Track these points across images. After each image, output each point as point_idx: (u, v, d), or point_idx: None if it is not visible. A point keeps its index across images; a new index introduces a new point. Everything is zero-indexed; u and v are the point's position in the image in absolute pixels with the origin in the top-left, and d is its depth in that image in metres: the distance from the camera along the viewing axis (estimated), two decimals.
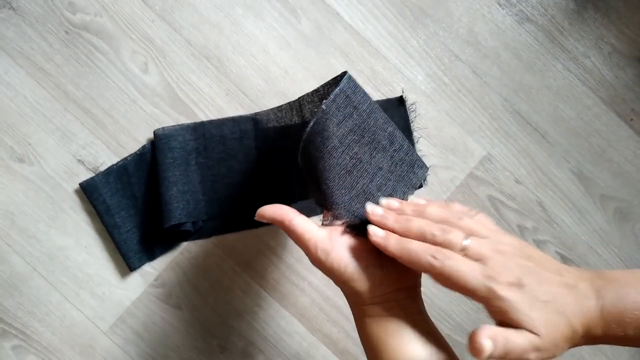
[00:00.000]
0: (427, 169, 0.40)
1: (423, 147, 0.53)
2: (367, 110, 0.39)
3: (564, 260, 0.53)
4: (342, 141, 0.37)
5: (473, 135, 0.54)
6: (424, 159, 0.53)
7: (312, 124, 0.37)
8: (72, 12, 0.52)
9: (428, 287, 0.52)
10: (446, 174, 0.53)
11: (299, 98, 0.50)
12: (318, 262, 0.33)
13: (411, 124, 0.53)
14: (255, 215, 0.36)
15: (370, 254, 0.33)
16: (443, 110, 0.54)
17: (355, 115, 0.39)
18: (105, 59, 0.52)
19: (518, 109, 0.55)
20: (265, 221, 0.36)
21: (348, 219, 0.35)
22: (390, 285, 0.32)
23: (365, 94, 0.40)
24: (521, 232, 0.53)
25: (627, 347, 0.44)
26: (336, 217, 0.36)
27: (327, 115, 0.38)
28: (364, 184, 0.37)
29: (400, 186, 0.39)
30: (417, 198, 0.38)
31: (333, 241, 0.33)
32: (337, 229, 0.35)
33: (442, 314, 0.52)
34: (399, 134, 0.40)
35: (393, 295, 0.32)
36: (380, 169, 0.38)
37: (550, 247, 0.53)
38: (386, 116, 0.41)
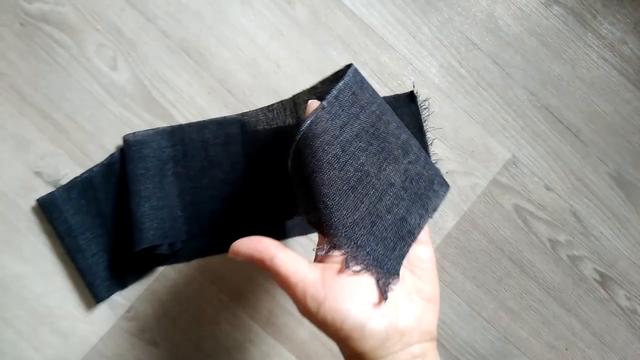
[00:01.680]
0: (449, 187, 0.33)
1: (438, 150, 0.46)
2: (377, 112, 0.32)
3: (604, 279, 0.46)
4: (345, 148, 0.30)
5: (495, 135, 0.46)
6: (439, 164, 0.46)
7: (308, 122, 0.30)
8: (28, 1, 0.44)
9: (447, 314, 0.44)
10: (465, 181, 0.46)
11: (294, 96, 0.43)
12: (307, 314, 0.25)
13: (424, 124, 0.45)
14: (229, 251, 0.29)
15: (374, 302, 0.26)
16: (460, 107, 0.47)
17: (362, 117, 0.31)
18: (68, 55, 0.44)
19: (547, 104, 0.47)
20: (241, 259, 0.28)
21: (349, 250, 0.28)
22: (399, 342, 0.25)
23: (374, 91, 0.33)
24: (553, 247, 0.46)
25: None
26: (334, 246, 0.28)
27: (328, 115, 0.30)
28: (371, 203, 0.30)
29: (416, 208, 0.31)
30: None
31: (327, 285, 0.26)
32: (334, 267, 0.27)
33: (464, 345, 0.44)
34: (414, 143, 0.33)
35: (403, 355, 0.25)
36: (392, 185, 0.31)
37: (588, 263, 0.46)
38: (399, 120, 0.33)
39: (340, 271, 0.27)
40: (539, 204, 0.46)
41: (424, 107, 0.46)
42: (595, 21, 0.48)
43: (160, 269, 0.43)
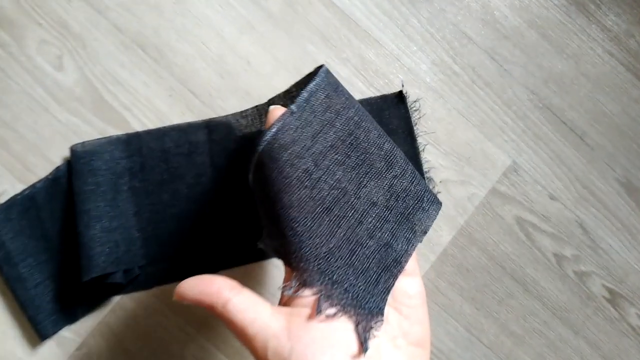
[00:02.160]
0: (440, 205, 0.28)
1: (431, 157, 0.41)
2: (355, 118, 0.27)
3: (613, 296, 0.41)
4: (318, 162, 0.25)
5: (494, 139, 0.42)
6: (432, 173, 0.41)
7: (274, 131, 0.25)
8: None
9: (444, 341, 0.40)
10: (462, 191, 0.41)
11: (269, 100, 0.38)
12: None
13: (414, 127, 0.40)
14: (174, 294, 0.24)
15: (353, 353, 0.21)
16: (454, 108, 0.42)
17: (338, 124, 0.26)
18: (5, 53, 0.38)
19: (549, 103, 0.43)
20: (188, 303, 0.23)
21: (323, 288, 0.23)
22: None
23: (350, 95, 0.28)
24: (559, 262, 0.41)
25: None
26: (304, 284, 0.23)
27: (298, 122, 0.25)
28: (350, 228, 0.25)
29: (402, 230, 0.26)
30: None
31: (294, 335, 0.21)
32: (303, 311, 0.22)
33: None
34: (399, 154, 0.28)
35: None
36: (374, 204, 0.26)
37: (596, 279, 0.41)
38: (380, 128, 0.28)
39: (311, 317, 0.22)
40: (542, 215, 0.42)
41: (414, 108, 0.41)
42: (600, 12, 0.44)
43: (116, 299, 0.37)
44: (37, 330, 0.36)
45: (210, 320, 0.38)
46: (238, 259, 0.38)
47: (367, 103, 0.40)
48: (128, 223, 0.37)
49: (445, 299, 0.40)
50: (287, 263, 0.25)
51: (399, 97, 0.40)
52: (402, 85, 0.41)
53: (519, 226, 0.41)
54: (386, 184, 0.27)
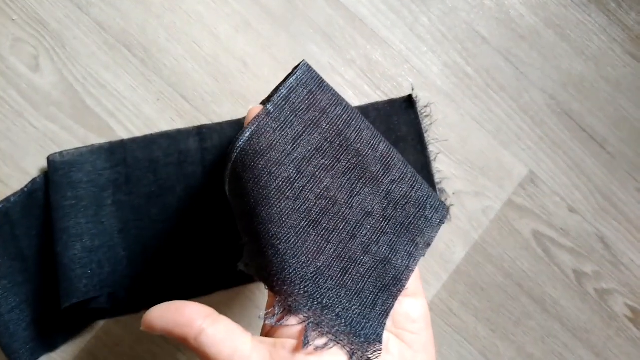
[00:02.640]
0: (446, 211, 0.25)
1: (443, 167, 0.38)
2: (344, 117, 0.24)
3: (637, 315, 0.39)
4: (301, 169, 0.22)
5: (510, 147, 0.39)
6: (444, 184, 0.38)
7: (247, 135, 0.22)
8: None
9: None
10: (476, 203, 0.38)
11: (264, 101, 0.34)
12: None
13: (424, 134, 0.37)
14: (141, 323, 0.21)
15: None
16: (468, 113, 0.39)
17: (324, 124, 0.23)
18: None
19: (568, 109, 0.40)
20: (157, 334, 0.20)
21: (310, 314, 0.21)
22: None
23: (337, 93, 0.24)
24: (579, 279, 0.38)
25: None
26: (289, 310, 0.21)
27: (276, 123, 0.23)
28: (341, 242, 0.23)
29: (402, 243, 0.24)
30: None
31: None
32: (288, 343, 0.20)
33: None
34: (397, 156, 0.25)
35: None
36: (369, 214, 0.23)
37: (618, 298, 0.39)
38: (374, 128, 0.25)
39: (297, 349, 0.19)
40: (561, 228, 0.39)
41: (424, 114, 0.38)
42: (621, 10, 0.41)
43: (100, 324, 0.34)
44: None
45: None
46: (234, 279, 0.35)
47: (374, 108, 0.37)
48: (112, 241, 0.33)
49: (459, 321, 0.37)
50: (270, 286, 0.22)
51: (409, 102, 0.37)
52: (412, 89, 0.37)
53: (536, 241, 0.38)
54: (383, 190, 0.24)
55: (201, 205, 0.35)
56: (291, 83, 0.23)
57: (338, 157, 0.23)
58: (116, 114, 0.35)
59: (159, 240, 0.34)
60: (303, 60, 0.24)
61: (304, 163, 0.23)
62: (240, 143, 0.22)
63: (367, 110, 0.37)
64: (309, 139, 0.23)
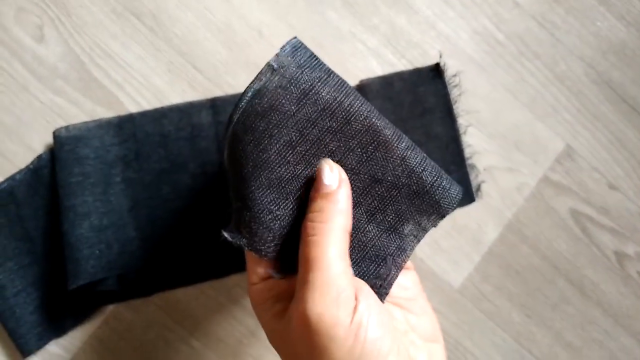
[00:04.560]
0: (462, 190, 0.23)
1: (473, 141, 0.35)
2: (349, 86, 0.22)
3: None
4: (304, 132, 0.21)
5: (545, 120, 0.36)
6: (475, 157, 0.35)
7: (249, 95, 0.21)
8: None
9: (490, 354, 0.34)
10: (510, 179, 0.35)
11: None
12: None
13: (453, 106, 0.35)
14: None
15: None
16: (500, 83, 0.36)
17: (332, 82, 0.22)
18: None
19: (608, 78, 0.37)
20: None
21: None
22: None
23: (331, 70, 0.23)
24: (620, 261, 0.36)
25: None
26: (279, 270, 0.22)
27: (281, 80, 0.21)
28: None
29: (413, 212, 0.22)
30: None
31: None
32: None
33: None
34: (404, 137, 0.23)
35: None
36: (378, 181, 0.22)
37: None
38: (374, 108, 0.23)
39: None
40: (601, 207, 0.36)
41: (453, 84, 0.35)
42: None
43: (110, 308, 0.32)
44: (19, 345, 0.31)
45: (219, 332, 0.33)
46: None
47: (399, 78, 0.34)
48: (122, 220, 0.32)
49: (492, 306, 0.34)
50: (264, 253, 0.21)
51: (436, 71, 0.35)
52: (440, 57, 0.35)
53: (574, 220, 0.35)
54: (397, 156, 0.22)
55: (216, 183, 0.33)
56: (295, 42, 0.22)
57: (348, 118, 0.21)
58: (125, 85, 0.33)
59: (171, 219, 0.32)
60: (295, 38, 0.23)
61: (309, 125, 0.21)
62: (243, 103, 0.21)
63: (391, 80, 0.34)
64: (316, 99, 0.21)
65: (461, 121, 0.35)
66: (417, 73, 0.35)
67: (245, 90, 0.21)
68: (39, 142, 0.33)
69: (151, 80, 0.34)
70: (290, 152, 0.21)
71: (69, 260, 0.30)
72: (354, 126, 0.21)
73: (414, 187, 0.22)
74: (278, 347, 0.21)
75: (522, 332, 0.34)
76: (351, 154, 0.22)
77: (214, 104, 0.33)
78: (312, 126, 0.21)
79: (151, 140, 0.32)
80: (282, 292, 0.21)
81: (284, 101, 0.21)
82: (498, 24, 0.36)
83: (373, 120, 0.22)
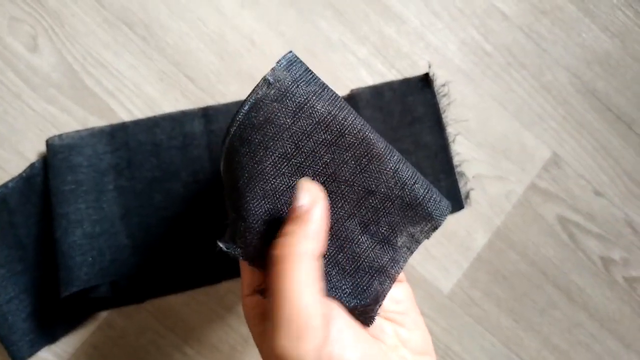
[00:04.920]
0: (449, 203, 0.24)
1: (462, 149, 0.36)
2: (339, 105, 0.23)
3: None
4: (300, 144, 0.22)
5: (532, 128, 0.37)
6: (464, 165, 0.36)
7: (245, 109, 0.22)
8: None
9: (480, 358, 0.35)
10: (498, 187, 0.36)
11: None
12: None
13: (442, 115, 0.35)
14: None
15: None
16: (488, 93, 0.37)
17: (327, 96, 0.22)
18: None
19: (593, 88, 0.38)
20: None
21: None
22: None
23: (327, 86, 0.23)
24: (606, 267, 0.36)
25: None
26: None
27: (276, 94, 0.22)
28: (339, 221, 0.22)
29: (406, 224, 0.23)
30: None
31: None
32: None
33: None
34: (395, 150, 0.24)
35: None
36: (371, 193, 0.22)
37: None
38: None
39: None
40: (587, 213, 0.37)
41: (441, 93, 0.36)
42: None
43: (103, 315, 0.32)
44: (11, 352, 0.31)
45: (212, 339, 0.33)
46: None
47: (389, 88, 0.35)
48: (114, 228, 0.32)
49: (480, 311, 0.35)
50: (258, 265, 0.21)
51: (425, 81, 0.35)
52: (429, 67, 0.35)
53: (561, 226, 0.36)
54: (390, 169, 0.22)
55: (208, 192, 0.33)
56: (290, 57, 0.22)
57: (342, 131, 0.22)
58: (117, 94, 0.34)
59: (163, 227, 0.32)
60: (291, 52, 0.23)
61: (304, 138, 0.21)
62: (239, 116, 0.21)
63: (381, 90, 0.35)
64: (311, 112, 0.22)
65: (450, 130, 0.35)
66: (407, 83, 0.35)
67: (242, 104, 0.22)
68: (31, 151, 0.33)
69: (143, 89, 0.34)
70: (285, 164, 0.21)
71: (61, 268, 0.30)
72: (347, 139, 0.22)
73: (407, 199, 0.22)
74: None
75: (511, 336, 0.35)
76: (345, 166, 0.22)
77: (206, 113, 0.33)
78: (307, 138, 0.21)
79: (143, 149, 0.33)
80: (268, 312, 0.21)
81: (279, 114, 0.21)
82: (486, 35, 0.37)
83: (366, 133, 0.22)
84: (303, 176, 0.21)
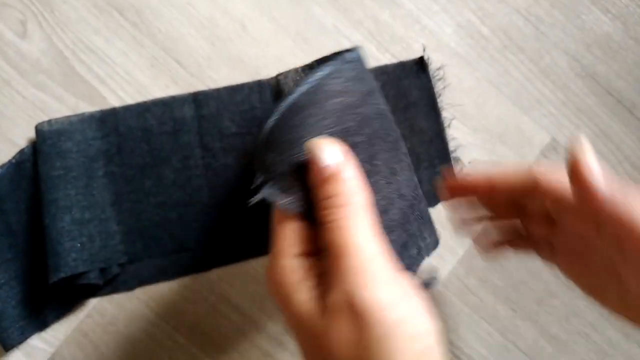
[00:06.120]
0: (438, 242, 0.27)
1: (458, 134, 0.35)
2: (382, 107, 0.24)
3: None
4: (361, 127, 0.22)
5: (530, 113, 0.36)
6: (460, 150, 0.35)
7: (328, 70, 0.21)
8: None
9: (475, 347, 0.34)
10: None
11: (280, 75, 0.32)
12: None
13: (437, 99, 0.35)
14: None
15: None
16: (484, 77, 0.36)
17: (382, 102, 0.24)
18: None
19: (592, 71, 0.37)
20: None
21: None
22: None
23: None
24: None
25: None
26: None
27: (354, 72, 0.22)
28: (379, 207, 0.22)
29: (418, 235, 0.24)
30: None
31: None
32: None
33: None
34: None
35: None
36: (402, 196, 0.23)
37: None
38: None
39: None
40: None
41: (437, 77, 0.35)
42: None
43: (93, 302, 0.32)
44: (1, 339, 0.31)
45: (203, 327, 0.32)
46: (234, 254, 0.33)
47: (383, 72, 0.34)
48: (104, 214, 0.31)
49: (477, 300, 0.34)
50: (309, 219, 0.20)
51: (420, 65, 0.35)
52: (424, 51, 0.35)
53: None
54: (414, 181, 0.24)
55: (197, 177, 0.33)
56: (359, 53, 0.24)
57: (390, 130, 0.23)
58: (108, 80, 0.33)
59: (154, 213, 0.32)
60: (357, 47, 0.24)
61: (366, 122, 0.22)
62: (315, 78, 0.21)
63: (375, 74, 0.34)
64: (375, 103, 0.23)
65: (445, 114, 0.35)
66: (401, 66, 0.35)
67: (297, 87, 0.21)
68: (21, 137, 0.33)
69: (134, 75, 0.34)
70: (347, 138, 0.21)
71: (50, 254, 0.30)
72: (393, 136, 0.23)
73: (424, 216, 0.24)
74: (305, 339, 0.19)
75: (508, 325, 0.34)
76: (386, 165, 0.22)
77: (197, 98, 0.33)
78: (368, 125, 0.22)
79: (134, 135, 0.32)
80: (321, 275, 0.19)
81: (354, 91, 0.22)
82: (482, 17, 0.36)
83: (401, 142, 0.24)
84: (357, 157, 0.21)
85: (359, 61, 0.23)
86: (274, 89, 0.33)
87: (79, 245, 0.30)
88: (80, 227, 0.31)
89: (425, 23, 0.36)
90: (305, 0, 0.35)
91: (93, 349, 0.32)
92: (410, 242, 0.23)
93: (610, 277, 0.20)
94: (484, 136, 0.35)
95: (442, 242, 0.33)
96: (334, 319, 0.17)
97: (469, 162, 0.35)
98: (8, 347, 0.31)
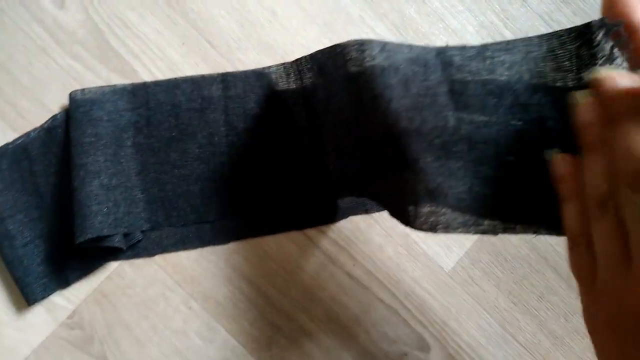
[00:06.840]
0: None
1: None
2: None
3: None
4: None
5: None
6: None
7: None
8: None
9: (474, 336, 0.35)
10: None
11: (298, 60, 0.33)
12: None
13: None
14: None
15: None
16: None
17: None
18: None
19: None
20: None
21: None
22: None
23: None
24: None
25: None
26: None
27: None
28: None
29: None
30: None
31: None
32: None
33: None
34: None
35: None
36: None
37: None
38: None
39: None
40: None
41: None
42: None
43: (114, 265, 0.34)
44: (25, 294, 0.32)
45: (218, 296, 0.34)
46: (253, 228, 0.34)
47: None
48: (130, 182, 0.33)
49: (479, 290, 0.36)
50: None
51: None
52: None
53: None
54: None
55: (221, 153, 0.34)
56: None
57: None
58: (140, 56, 0.35)
59: (177, 185, 0.34)
60: None
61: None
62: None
63: None
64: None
65: None
66: None
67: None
68: (54, 103, 0.34)
69: (166, 52, 0.35)
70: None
71: (77, 216, 0.31)
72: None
73: None
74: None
75: (508, 318, 0.36)
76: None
77: (225, 79, 0.34)
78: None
79: (162, 109, 0.34)
80: None
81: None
82: (505, 20, 0.37)
83: None
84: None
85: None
86: (295, 73, 0.34)
87: (105, 209, 0.32)
88: (107, 192, 0.32)
89: (449, 21, 0.37)
90: None
91: (112, 309, 0.33)
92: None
93: None
94: None
95: (449, 234, 0.35)
96: None
97: None
98: (31, 302, 0.33)
